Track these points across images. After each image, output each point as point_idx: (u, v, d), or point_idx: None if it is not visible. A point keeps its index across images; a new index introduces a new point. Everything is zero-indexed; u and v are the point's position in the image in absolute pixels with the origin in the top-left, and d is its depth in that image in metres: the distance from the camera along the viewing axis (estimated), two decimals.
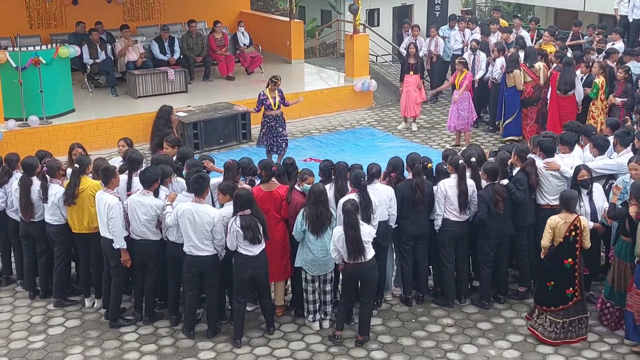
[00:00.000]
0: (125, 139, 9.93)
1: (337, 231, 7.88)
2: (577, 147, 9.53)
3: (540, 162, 8.90)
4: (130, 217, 8.27)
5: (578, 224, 7.86)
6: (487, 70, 15.21)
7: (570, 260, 7.90)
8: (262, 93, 12.82)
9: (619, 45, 14.90)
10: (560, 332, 8.04)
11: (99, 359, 8.04)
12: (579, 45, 15.91)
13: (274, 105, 12.75)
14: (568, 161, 9.01)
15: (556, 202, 8.60)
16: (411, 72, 15.21)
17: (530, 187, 8.78)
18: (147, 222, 8.25)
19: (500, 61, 14.63)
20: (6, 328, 8.60)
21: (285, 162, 8.99)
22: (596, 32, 15.78)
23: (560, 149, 9.17)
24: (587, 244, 7.93)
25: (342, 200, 8.13)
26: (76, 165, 8.60)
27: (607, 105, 12.77)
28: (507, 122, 14.14)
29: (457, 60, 14.42)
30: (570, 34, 16.71)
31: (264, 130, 12.89)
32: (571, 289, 7.96)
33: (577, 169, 8.63)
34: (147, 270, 8.48)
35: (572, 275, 7.95)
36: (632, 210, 7.84)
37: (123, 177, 8.66)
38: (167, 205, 8.20)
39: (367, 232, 7.88)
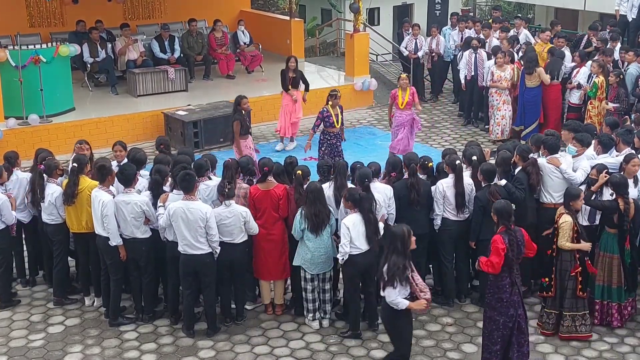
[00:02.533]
0: (120, 142, 9.72)
1: (349, 221, 7.86)
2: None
3: (543, 159, 8.90)
4: (118, 217, 8.24)
5: (557, 220, 8.07)
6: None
7: (549, 251, 8.17)
8: (325, 110, 12.08)
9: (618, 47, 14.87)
10: (554, 324, 8.19)
11: (99, 357, 8.04)
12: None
13: (337, 123, 12.11)
14: (569, 159, 8.99)
15: (560, 201, 8.65)
16: (290, 88, 13.91)
17: (531, 187, 8.77)
18: (135, 220, 8.23)
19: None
20: (6, 327, 8.60)
21: (286, 162, 8.99)
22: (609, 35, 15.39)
23: (576, 147, 9.20)
24: (561, 243, 7.97)
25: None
26: (74, 164, 8.59)
27: (603, 108, 12.69)
28: (528, 131, 13.74)
29: (401, 75, 13.40)
30: (585, 38, 16.30)
31: (323, 149, 12.28)
32: (547, 279, 8.19)
33: (592, 167, 8.75)
34: (141, 269, 8.48)
35: (549, 267, 8.19)
36: (621, 204, 8.12)
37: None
38: (160, 206, 8.18)
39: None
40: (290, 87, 13.96)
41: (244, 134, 11.94)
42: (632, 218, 8.17)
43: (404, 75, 13.15)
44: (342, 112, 12.34)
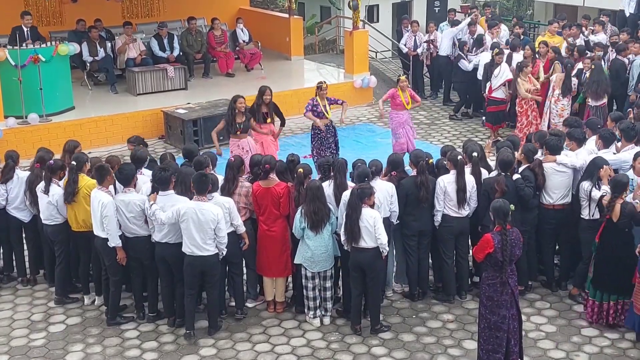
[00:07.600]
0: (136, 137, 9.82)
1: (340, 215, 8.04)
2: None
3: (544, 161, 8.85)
4: (119, 217, 8.22)
5: None
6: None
7: None
8: (314, 99, 12.15)
9: (601, 37, 15.10)
10: None
11: (100, 356, 8.05)
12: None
13: (327, 113, 12.17)
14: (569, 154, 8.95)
15: (560, 202, 8.68)
16: (269, 120, 12.04)
17: (537, 188, 8.73)
18: (135, 219, 8.21)
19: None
20: (7, 326, 8.61)
21: (287, 159, 8.98)
22: (621, 32, 15.18)
23: (568, 145, 9.14)
24: None
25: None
26: (73, 162, 8.58)
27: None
28: None
29: (400, 77, 13.11)
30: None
31: (314, 143, 12.31)
32: None
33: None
34: (145, 268, 8.46)
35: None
36: (605, 199, 8.05)
37: None
38: (152, 204, 8.05)
39: (370, 215, 7.88)
40: (268, 119, 12.07)
41: (237, 132, 11.58)
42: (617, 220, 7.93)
43: (403, 78, 13.04)
44: (330, 104, 12.29)
